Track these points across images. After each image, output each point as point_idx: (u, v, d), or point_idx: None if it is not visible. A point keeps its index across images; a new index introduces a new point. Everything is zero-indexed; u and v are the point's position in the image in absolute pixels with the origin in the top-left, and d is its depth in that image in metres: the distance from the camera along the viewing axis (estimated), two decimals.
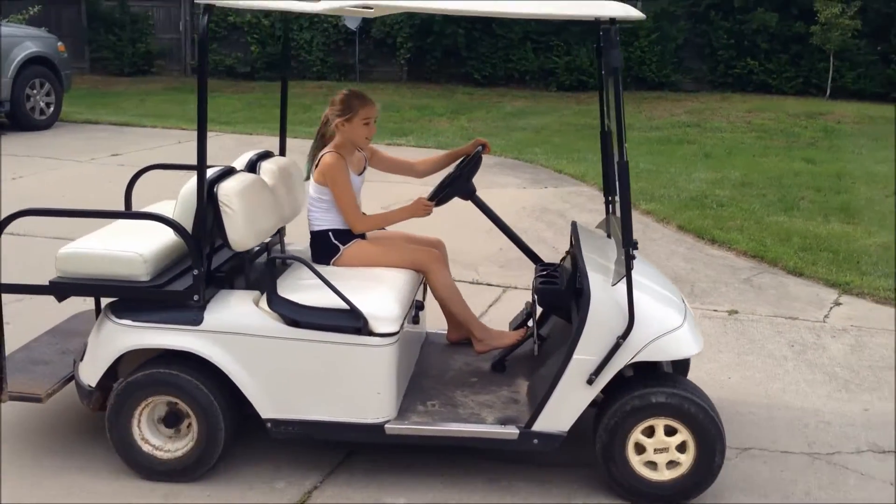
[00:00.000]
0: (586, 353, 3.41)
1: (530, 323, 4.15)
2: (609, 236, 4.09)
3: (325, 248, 4.04)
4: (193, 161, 3.52)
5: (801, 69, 18.73)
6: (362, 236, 4.09)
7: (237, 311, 3.55)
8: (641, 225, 8.13)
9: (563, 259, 4.18)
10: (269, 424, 3.55)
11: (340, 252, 4.02)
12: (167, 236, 3.70)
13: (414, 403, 3.69)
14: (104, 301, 3.88)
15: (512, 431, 3.52)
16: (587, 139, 12.83)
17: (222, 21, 20.42)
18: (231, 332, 3.49)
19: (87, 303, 4.71)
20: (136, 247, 3.58)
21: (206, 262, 3.54)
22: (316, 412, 3.53)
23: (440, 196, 4.20)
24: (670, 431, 3.47)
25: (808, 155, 11.80)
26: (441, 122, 14.61)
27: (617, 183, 3.34)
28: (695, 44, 19.32)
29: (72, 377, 3.79)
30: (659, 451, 3.49)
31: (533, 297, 4.07)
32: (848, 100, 17.53)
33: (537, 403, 3.50)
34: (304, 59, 20.09)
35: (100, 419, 3.72)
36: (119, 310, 3.58)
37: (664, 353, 3.47)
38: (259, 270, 4.04)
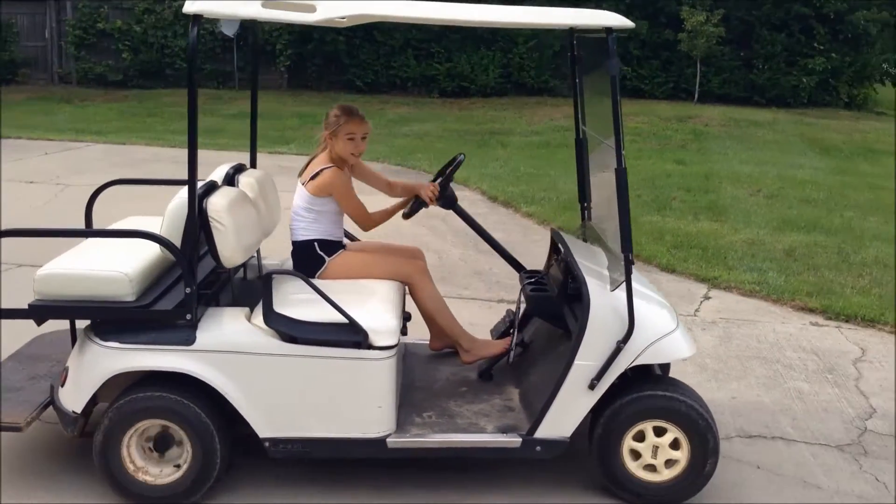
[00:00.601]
0: (587, 359, 3.42)
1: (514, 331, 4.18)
2: (585, 241, 4.14)
3: (309, 258, 3.98)
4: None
5: (670, 74, 19.53)
6: (344, 248, 4.09)
7: (231, 328, 3.44)
8: (522, 227, 8.30)
9: (550, 266, 4.17)
10: (267, 444, 3.45)
11: (326, 264, 3.96)
12: (147, 253, 3.56)
13: (409, 416, 3.63)
14: (80, 323, 3.69)
15: (514, 440, 3.50)
16: (469, 145, 12.99)
17: (91, 28, 19.66)
18: (226, 350, 3.37)
19: (47, 325, 4.41)
20: (120, 265, 3.42)
21: (196, 280, 3.40)
22: (316, 429, 3.45)
23: (444, 185, 4.18)
24: (660, 432, 3.52)
25: (678, 157, 12.30)
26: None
27: (616, 189, 3.30)
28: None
29: (48, 403, 3.60)
30: (654, 454, 3.54)
31: (518, 304, 4.08)
32: (714, 103, 18.38)
33: (538, 410, 3.49)
34: (179, 67, 19.55)
35: (81, 446, 3.57)
36: (103, 332, 3.40)
37: (662, 356, 3.52)
38: (241, 286, 3.94)
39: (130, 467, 3.42)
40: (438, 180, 4.23)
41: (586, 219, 4.25)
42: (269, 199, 4.23)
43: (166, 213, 3.53)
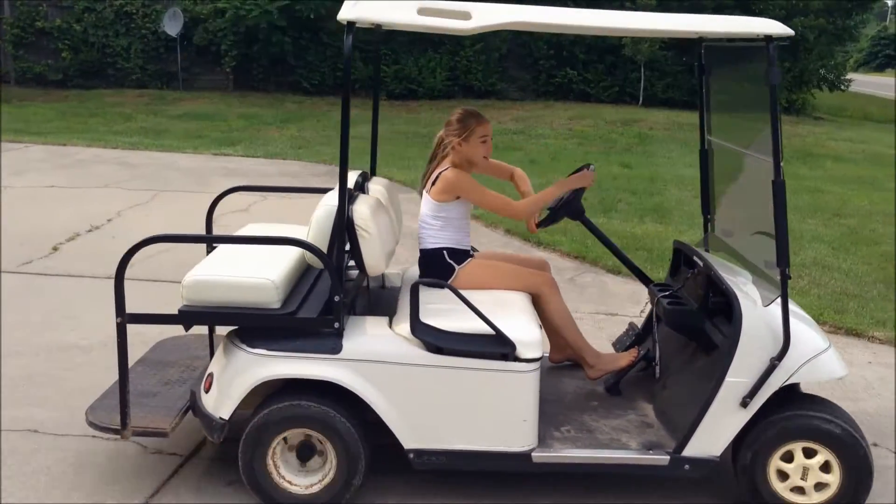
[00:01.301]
0: (739, 376, 3.34)
1: (637, 344, 4.16)
2: (709, 252, 4.04)
3: (438, 267, 3.89)
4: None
5: (616, 79, 19.80)
6: (472, 256, 3.98)
7: (376, 338, 3.43)
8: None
9: (685, 279, 4.05)
10: (411, 455, 3.42)
11: (456, 272, 3.87)
12: (284, 260, 3.58)
13: (548, 430, 3.56)
14: (221, 330, 3.71)
15: (662, 457, 3.42)
16: (417, 146, 12.99)
17: (29, 27, 19.18)
18: (372, 360, 3.36)
19: (166, 330, 4.38)
20: (266, 273, 3.40)
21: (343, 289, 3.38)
22: (460, 442, 3.41)
23: (550, 218, 4.12)
24: (810, 454, 3.41)
25: (624, 160, 12.48)
26: (270, 130, 14.37)
27: (773, 202, 3.17)
28: (518, 54, 20.00)
29: (187, 409, 3.61)
30: (804, 476, 3.43)
31: (653, 318, 4.03)
32: (659, 107, 18.67)
33: (685, 427, 3.42)
34: (121, 67, 19.20)
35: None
36: (250, 338, 3.41)
37: (816, 374, 3.42)
38: (371, 295, 3.99)
39: (275, 475, 3.43)
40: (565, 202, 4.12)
41: (710, 231, 4.17)
42: (397, 206, 4.23)
43: (313, 220, 3.51)
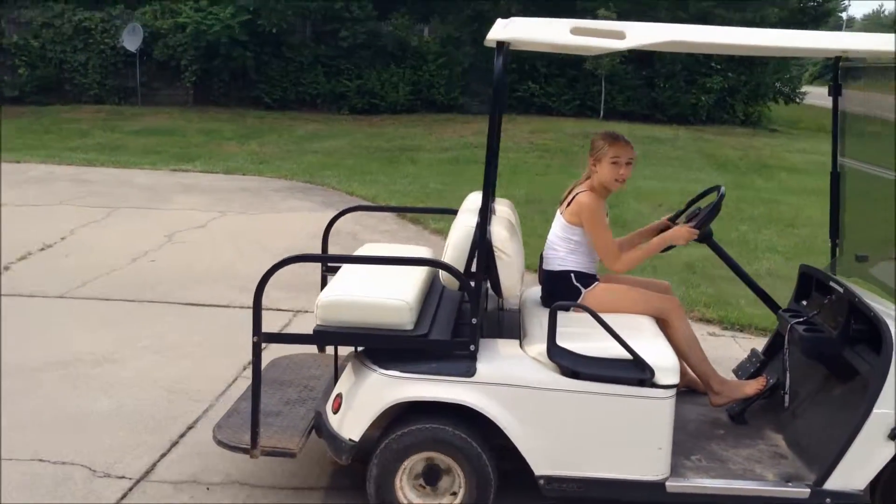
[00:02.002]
0: (888, 407, 3.23)
1: (763, 372, 4.03)
2: (836, 277, 3.93)
3: (565, 289, 3.81)
4: None
5: (577, 92, 20.00)
6: (598, 280, 3.89)
7: (511, 361, 3.36)
8: (431, 244, 8.32)
9: (823, 304, 3.90)
10: (541, 481, 3.33)
11: (583, 295, 3.79)
12: (413, 281, 3.54)
13: (677, 458, 3.44)
14: (344, 350, 3.75)
15: (803, 490, 3.32)
16: (379, 161, 12.99)
17: None
18: (507, 383, 3.29)
19: (279, 349, 4.31)
20: (400, 294, 3.36)
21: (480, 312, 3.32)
22: (593, 469, 3.32)
23: (704, 223, 3.96)
24: None
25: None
26: (230, 146, 14.27)
27: None
28: (480, 68, 20.12)
29: (311, 429, 3.57)
30: None
31: (784, 344, 3.89)
32: (619, 120, 18.84)
33: (827, 460, 3.30)
34: (78, 83, 18.99)
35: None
36: (382, 359, 3.36)
37: None
38: (493, 317, 3.93)
39: (403, 498, 3.39)
40: (694, 219, 4.02)
41: (837, 255, 4.08)
42: (519, 228, 4.14)
43: (451, 241, 3.48)
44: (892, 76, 3.56)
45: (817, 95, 35.75)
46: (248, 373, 4.90)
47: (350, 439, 3.34)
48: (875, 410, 3.22)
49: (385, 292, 3.36)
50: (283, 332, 3.47)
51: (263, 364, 3.68)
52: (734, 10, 19.05)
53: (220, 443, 3.49)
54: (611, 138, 3.85)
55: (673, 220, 4.19)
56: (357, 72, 19.52)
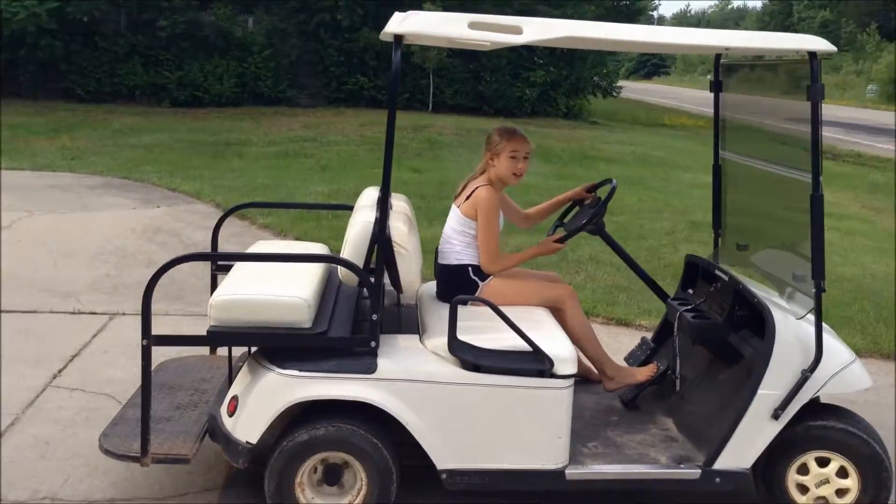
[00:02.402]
0: (771, 388, 3.36)
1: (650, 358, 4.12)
2: (719, 266, 4.01)
3: (462, 283, 3.80)
4: None
5: (406, 85, 20.09)
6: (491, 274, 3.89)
7: (411, 356, 3.35)
8: (261, 238, 8.12)
9: (709, 292, 4.00)
10: (444, 475, 3.34)
11: (480, 289, 3.79)
12: (310, 277, 3.46)
13: (574, 446, 3.49)
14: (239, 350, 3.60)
15: (693, 471, 3.41)
16: (203, 156, 12.53)
17: None
18: (408, 379, 3.27)
19: (168, 351, 4.09)
20: (297, 291, 3.29)
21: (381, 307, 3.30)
22: (494, 460, 3.35)
23: (571, 234, 4.04)
24: (823, 462, 3.46)
25: (414, 165, 12.65)
26: (39, 141, 13.34)
27: (811, 216, 3.19)
28: (308, 61, 19.84)
29: (205, 433, 3.45)
30: (818, 484, 3.46)
31: (674, 331, 3.98)
32: (448, 113, 19.15)
33: (715, 441, 3.42)
34: None
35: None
36: (280, 359, 3.29)
37: (844, 386, 3.46)
38: (391, 312, 3.88)
39: (302, 499, 3.32)
40: (575, 218, 4.14)
41: (720, 245, 4.20)
42: (415, 223, 4.10)
43: (349, 238, 3.44)
44: (769, 73, 3.75)
45: (633, 90, 37.89)
46: (59, 381, 4.61)
47: (247, 442, 3.28)
48: (760, 392, 3.36)
49: (281, 290, 3.31)
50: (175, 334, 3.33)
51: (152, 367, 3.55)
52: (554, 6, 19.73)
53: (107, 452, 3.35)
54: (508, 133, 3.88)
55: (590, 191, 4.26)
56: (178, 63, 18.77)
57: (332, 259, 3.56)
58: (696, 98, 41.47)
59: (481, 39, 3.18)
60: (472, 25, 3.12)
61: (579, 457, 3.48)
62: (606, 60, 23.50)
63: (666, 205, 10.66)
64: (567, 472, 3.39)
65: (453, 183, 12.24)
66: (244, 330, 3.27)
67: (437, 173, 12.07)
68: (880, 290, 7.34)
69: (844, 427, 3.43)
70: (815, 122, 3.18)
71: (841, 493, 3.47)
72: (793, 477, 3.48)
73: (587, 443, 3.61)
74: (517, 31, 3.14)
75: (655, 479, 3.46)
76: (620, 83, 26.07)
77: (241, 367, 3.55)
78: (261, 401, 3.29)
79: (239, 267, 3.73)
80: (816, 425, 3.43)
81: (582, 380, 4.09)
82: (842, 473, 3.46)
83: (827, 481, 3.45)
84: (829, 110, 32.76)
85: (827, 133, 23.61)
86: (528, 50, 20.72)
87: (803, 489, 3.49)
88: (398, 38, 3.14)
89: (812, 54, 3.19)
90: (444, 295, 3.82)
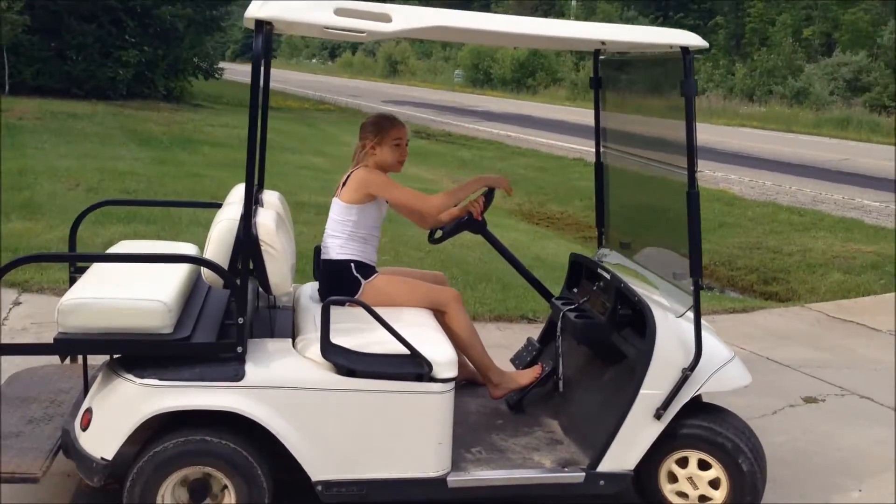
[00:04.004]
0: (653, 388, 3.31)
1: (535, 358, 4.03)
2: (602, 264, 3.92)
3: (343, 281, 3.65)
4: None
5: None
6: (377, 271, 3.76)
7: (282, 362, 3.17)
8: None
9: (592, 291, 3.92)
10: (319, 487, 3.16)
11: (362, 287, 3.65)
12: (172, 279, 3.26)
13: (458, 452, 3.37)
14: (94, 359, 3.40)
15: (577, 475, 3.34)
16: None
17: None
18: (279, 386, 3.09)
19: (22, 361, 3.73)
20: (155, 293, 3.06)
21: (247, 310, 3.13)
22: (373, 470, 3.19)
23: (450, 233, 4.00)
24: (704, 466, 3.40)
25: None
26: None
27: (687, 213, 3.16)
28: None
29: (58, 449, 3.16)
30: (689, 484, 3.43)
31: (557, 332, 3.91)
32: (30, 95, 17.27)
33: (599, 443, 3.35)
34: None
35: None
36: (137, 368, 3.05)
37: (724, 384, 3.42)
38: (265, 315, 3.71)
39: None
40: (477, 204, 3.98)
41: (604, 243, 4.13)
42: (289, 220, 3.93)
43: (212, 236, 3.24)
44: (648, 67, 3.77)
45: (238, 72, 37.39)
46: None
47: (102, 458, 3.03)
48: (642, 391, 3.32)
49: (139, 292, 3.08)
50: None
51: (2, 379, 3.38)
52: None
53: None
54: (390, 121, 3.80)
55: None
56: None
57: (192, 259, 3.35)
58: (303, 81, 42.24)
59: (349, 27, 3.04)
60: (339, 12, 3.01)
61: (462, 463, 3.38)
62: (205, 41, 22.84)
63: (273, 186, 10.57)
64: (449, 479, 3.27)
65: (35, 171, 11.14)
66: (96, 337, 3.04)
67: (17, 162, 10.80)
68: (464, 256, 7.94)
69: (709, 426, 3.39)
70: (690, 117, 3.17)
71: (712, 488, 3.42)
72: (665, 475, 3.45)
73: (471, 448, 3.52)
74: (386, 18, 3.05)
75: (539, 483, 3.40)
76: (225, 65, 25.56)
77: (98, 376, 3.29)
78: (117, 413, 3.06)
79: (95, 269, 3.46)
80: (686, 423, 3.39)
81: (467, 383, 4.00)
82: (708, 471, 3.41)
83: (695, 479, 3.42)
84: (423, 94, 35.45)
85: (421, 114, 25.54)
86: (118, 27, 19.41)
87: (675, 488, 3.46)
88: (259, 23, 2.98)
89: (685, 49, 3.19)
90: (326, 294, 3.61)
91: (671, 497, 3.45)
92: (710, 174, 15.07)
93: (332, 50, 72.94)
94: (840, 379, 5.29)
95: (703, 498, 3.43)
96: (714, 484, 3.40)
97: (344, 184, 3.76)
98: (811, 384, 5.13)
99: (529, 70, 43.43)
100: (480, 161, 15.86)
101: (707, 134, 21.33)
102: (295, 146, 15.33)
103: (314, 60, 73.82)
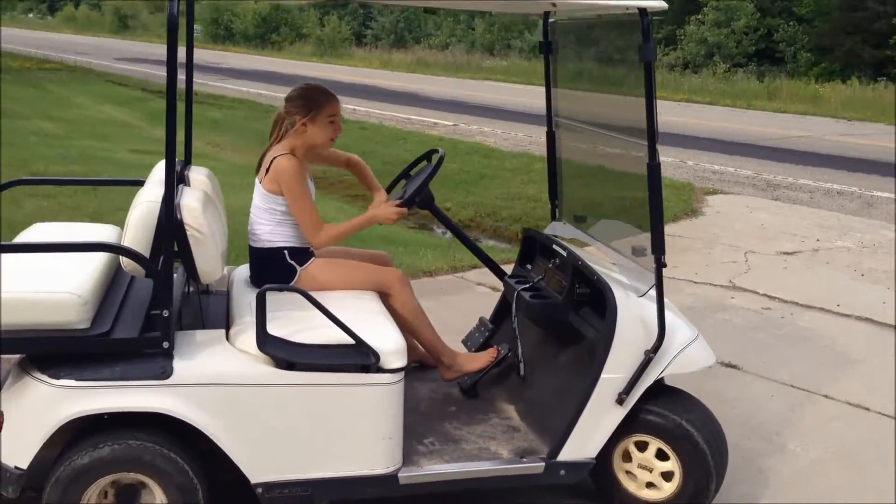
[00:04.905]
0: (615, 372, 3.14)
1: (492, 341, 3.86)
2: (558, 240, 3.74)
3: (277, 269, 3.40)
4: None
5: None
6: (314, 255, 3.52)
7: (214, 356, 2.92)
8: None
9: (548, 269, 3.71)
10: (259, 490, 2.93)
11: (298, 274, 3.42)
12: (89, 269, 2.99)
13: (409, 444, 3.17)
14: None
15: (537, 465, 3.18)
16: None
17: None
18: (211, 383, 2.85)
19: None
20: (66, 285, 2.81)
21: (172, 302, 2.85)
22: (317, 469, 2.97)
23: (412, 200, 3.60)
24: (662, 455, 3.26)
25: None
26: None
27: (648, 187, 2.99)
28: None
29: None
30: (642, 468, 3.29)
31: (512, 312, 3.70)
32: None
33: (559, 430, 3.19)
34: None
35: None
36: (50, 367, 2.79)
37: (688, 365, 3.24)
38: (195, 302, 3.51)
39: None
40: (405, 189, 3.72)
41: (557, 217, 3.90)
42: (220, 199, 3.64)
43: (131, 220, 2.96)
44: (598, 31, 3.63)
45: None
46: None
47: (16, 467, 2.83)
48: (603, 376, 3.14)
49: (49, 284, 2.84)
50: None
51: None
52: None
53: None
54: (323, 95, 3.48)
55: (388, 190, 3.85)
56: None
57: (106, 248, 3.06)
58: (20, 38, 38.25)
59: None
60: None
61: (414, 456, 3.19)
62: None
63: (3, 156, 9.51)
64: (401, 475, 3.07)
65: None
66: (4, 335, 2.77)
67: None
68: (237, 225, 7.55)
69: (674, 417, 3.21)
70: (649, 84, 2.95)
71: (665, 479, 3.28)
72: (620, 452, 3.30)
73: (423, 439, 3.32)
74: None
75: (497, 475, 3.20)
76: None
77: (9, 377, 3.02)
78: (30, 418, 2.82)
79: (4, 258, 3.07)
80: (649, 409, 3.22)
81: (419, 366, 3.83)
82: (665, 462, 3.27)
83: (649, 466, 3.28)
84: (159, 50, 33.33)
85: (161, 72, 23.97)
86: None
87: (626, 467, 3.33)
88: None
89: (643, 11, 2.96)
90: (258, 281, 3.41)
91: (619, 474, 3.33)
92: (465, 127, 15.48)
93: (51, 3, 66.78)
94: None
95: (650, 484, 3.31)
96: (667, 476, 3.26)
97: (266, 169, 3.42)
98: None
99: (273, 25, 42.32)
100: (234, 121, 15.19)
101: (455, 88, 21.93)
102: (21, 111, 13.82)
103: (31, 15, 67.28)
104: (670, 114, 17.02)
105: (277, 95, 19.52)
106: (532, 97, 19.65)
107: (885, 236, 8.26)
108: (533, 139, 13.56)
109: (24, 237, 3.60)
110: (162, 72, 21.36)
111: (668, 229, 8.27)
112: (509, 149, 13.11)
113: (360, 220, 3.55)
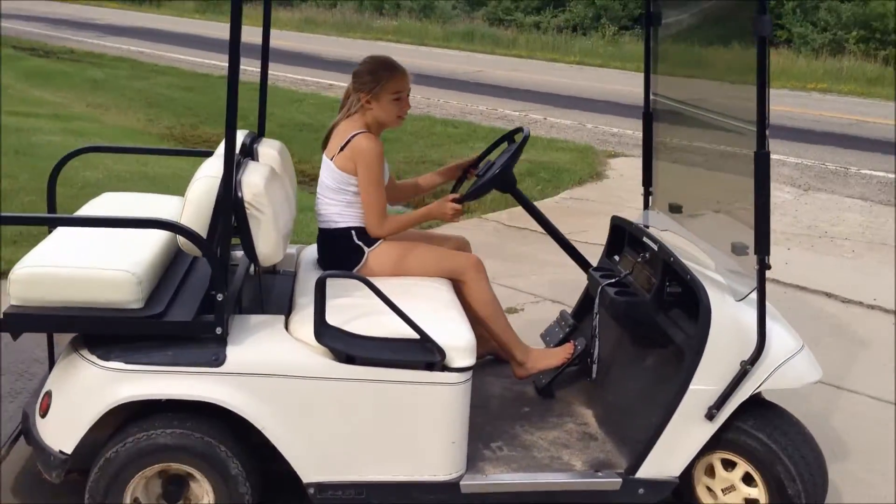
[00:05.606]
0: (705, 383, 2.83)
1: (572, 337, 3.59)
2: (648, 230, 3.43)
3: (345, 251, 3.26)
4: None
5: None
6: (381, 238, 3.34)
7: (270, 345, 2.77)
8: None
9: (636, 263, 3.38)
10: (311, 490, 2.79)
11: (366, 256, 3.26)
12: (148, 245, 2.86)
13: (475, 447, 2.96)
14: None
15: (614, 481, 2.89)
16: None
17: None
18: (264, 373, 2.70)
19: None
20: (123, 263, 2.71)
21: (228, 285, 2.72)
22: (374, 472, 2.80)
23: (475, 191, 3.41)
24: (749, 480, 2.96)
25: None
26: None
27: (754, 177, 2.63)
28: None
29: (20, 432, 2.92)
30: (726, 491, 2.98)
31: (594, 307, 3.40)
32: None
33: (640, 443, 2.90)
34: None
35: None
36: (103, 348, 2.70)
37: (790, 380, 2.91)
38: (262, 282, 3.26)
39: None
40: (478, 174, 3.54)
41: (650, 206, 3.62)
42: (291, 175, 3.47)
43: (189, 196, 2.77)
44: (705, 6, 3.32)
45: None
46: None
47: (61, 451, 2.70)
48: (692, 387, 2.84)
49: (104, 261, 2.71)
50: None
51: None
52: None
53: None
54: (388, 68, 3.30)
55: (475, 165, 3.66)
56: None
57: (160, 224, 2.79)
58: None
59: None
60: None
61: (479, 462, 2.99)
62: None
63: None
64: (463, 483, 2.87)
65: None
66: (54, 312, 2.68)
67: None
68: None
69: (769, 443, 2.88)
70: (762, 63, 2.58)
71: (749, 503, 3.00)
72: (703, 465, 3.03)
73: (490, 443, 3.13)
74: None
75: (568, 489, 2.96)
76: None
77: (61, 355, 2.93)
78: (77, 401, 2.72)
79: (61, 230, 3.06)
80: (741, 427, 2.91)
81: (493, 359, 3.64)
82: (751, 488, 2.97)
83: (733, 487, 2.99)
84: (29, 6, 31.33)
85: (33, 28, 22.53)
86: None
87: (708, 482, 3.05)
88: None
89: None
90: (324, 263, 3.30)
91: (699, 488, 3.06)
92: None
93: None
94: (531, 286, 5.56)
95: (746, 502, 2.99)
96: (750, 493, 2.97)
97: (341, 147, 3.25)
98: (508, 295, 5.32)
99: None
100: (116, 80, 14.38)
101: (347, 48, 21.44)
102: None
103: None
104: (565, 76, 17.13)
105: (160, 54, 18.66)
106: (426, 57, 19.44)
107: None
108: (431, 101, 13.37)
109: (90, 206, 3.44)
110: (33, 28, 20.06)
111: (575, 192, 8.34)
112: (409, 112, 12.89)
113: (419, 214, 3.41)
